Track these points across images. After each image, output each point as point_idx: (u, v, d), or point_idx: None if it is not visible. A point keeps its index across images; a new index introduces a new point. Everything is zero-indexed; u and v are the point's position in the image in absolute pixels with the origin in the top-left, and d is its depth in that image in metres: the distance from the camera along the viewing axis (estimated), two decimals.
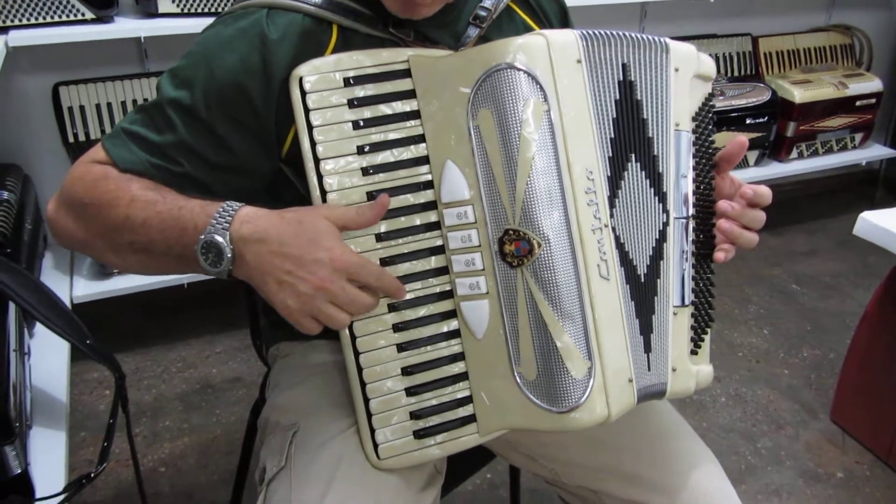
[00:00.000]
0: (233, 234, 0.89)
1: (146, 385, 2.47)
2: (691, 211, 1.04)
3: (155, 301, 2.69)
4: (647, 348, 0.99)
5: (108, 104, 2.45)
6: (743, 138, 1.05)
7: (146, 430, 2.27)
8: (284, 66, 0.95)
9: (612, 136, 0.96)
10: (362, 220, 0.92)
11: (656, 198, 1.01)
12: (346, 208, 0.92)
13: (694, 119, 1.05)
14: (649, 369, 0.99)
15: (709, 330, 1.06)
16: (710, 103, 1.07)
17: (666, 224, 1.01)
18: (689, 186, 1.03)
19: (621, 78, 0.97)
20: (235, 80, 0.96)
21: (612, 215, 0.96)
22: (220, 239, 0.89)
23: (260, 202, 0.96)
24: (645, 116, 0.99)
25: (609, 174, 0.96)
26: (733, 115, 3.15)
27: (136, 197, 0.95)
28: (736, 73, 3.41)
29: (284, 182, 1.04)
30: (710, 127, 1.06)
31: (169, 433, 2.26)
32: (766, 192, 1.06)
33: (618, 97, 0.97)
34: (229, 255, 0.89)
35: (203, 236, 0.90)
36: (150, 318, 2.80)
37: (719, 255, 1.05)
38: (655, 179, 1.01)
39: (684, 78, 1.03)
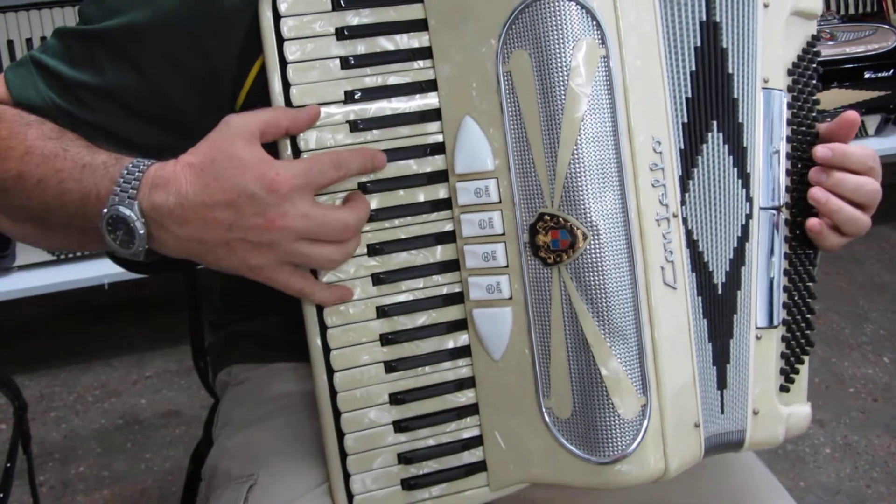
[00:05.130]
0: (142, 203, 0.89)
1: (54, 418, 2.49)
2: (784, 199, 1.04)
3: (67, 306, 2.70)
4: (722, 383, 0.99)
5: (9, 42, 2.47)
6: (853, 114, 1.04)
7: (54, 478, 2.29)
8: None
9: (690, 95, 0.96)
10: (286, 120, 0.91)
11: (740, 181, 1.00)
12: (256, 111, 0.90)
13: (790, 73, 1.05)
14: (722, 411, 0.99)
15: (805, 358, 1.06)
16: (814, 49, 1.07)
17: (749, 216, 1.01)
18: (781, 166, 1.03)
19: (704, 17, 0.97)
20: (181, 10, 0.97)
21: (683, 202, 0.96)
22: (126, 212, 0.89)
23: None
24: (731, 70, 0.99)
25: (683, 147, 0.96)
26: (847, 66, 3.11)
27: (32, 148, 0.96)
28: (851, 11, 3.41)
29: None
30: (814, 82, 1.06)
31: (84, 483, 2.27)
32: (853, 152, 1.03)
33: (699, 43, 0.97)
34: (141, 232, 0.89)
35: (106, 209, 0.90)
36: (60, 328, 2.80)
37: (813, 222, 1.02)
38: (740, 156, 1.00)
39: (778, 16, 1.03)
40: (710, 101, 0.98)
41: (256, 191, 0.86)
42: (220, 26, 0.97)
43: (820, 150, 1.03)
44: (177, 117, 1.02)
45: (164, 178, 0.89)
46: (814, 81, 1.06)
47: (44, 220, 0.97)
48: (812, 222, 1.03)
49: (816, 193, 1.03)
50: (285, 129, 0.91)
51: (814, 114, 1.06)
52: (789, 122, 1.04)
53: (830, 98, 2.95)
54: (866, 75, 3.13)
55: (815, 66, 1.07)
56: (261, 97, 0.94)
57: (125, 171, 0.90)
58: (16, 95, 1.00)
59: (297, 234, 0.88)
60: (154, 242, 0.90)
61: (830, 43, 3.12)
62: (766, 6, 1.02)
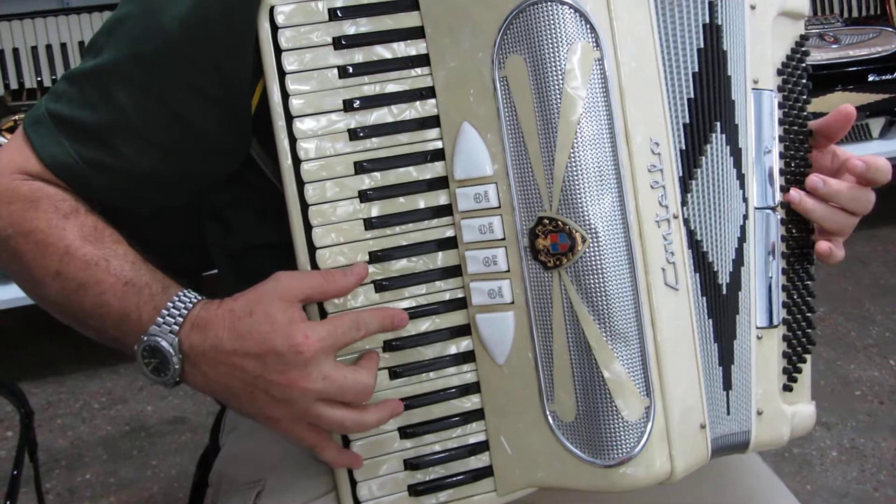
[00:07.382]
0: (182, 340, 0.91)
1: (61, 425, 2.49)
2: (778, 198, 1.04)
3: None
4: (727, 384, 0.99)
5: (15, 50, 2.46)
6: (849, 107, 1.05)
7: (60, 484, 2.29)
8: (255, 7, 0.94)
9: (692, 96, 0.97)
10: (331, 288, 0.93)
11: (738, 182, 1.01)
12: (305, 275, 0.93)
13: (780, 73, 1.05)
14: (728, 412, 0.99)
15: (807, 357, 1.06)
16: (803, 49, 1.07)
17: (745, 217, 1.02)
18: (774, 165, 1.04)
19: (707, 20, 0.98)
20: (190, 33, 0.95)
21: (684, 202, 0.96)
22: (166, 346, 0.92)
23: (218, 187, 0.98)
24: (730, 73, 1.00)
25: (683, 147, 0.96)
26: (850, 69, 3.12)
27: (71, 248, 0.96)
28: (855, 14, 3.40)
29: (249, 160, 1.04)
30: (804, 82, 1.07)
31: (90, 489, 2.27)
32: (882, 166, 1.04)
33: (702, 45, 0.98)
34: (176, 367, 0.92)
35: (146, 337, 0.92)
36: (66, 335, 2.79)
37: (822, 247, 1.04)
38: (737, 157, 1.01)
39: (765, 17, 1.03)
40: (712, 102, 0.98)
41: (283, 351, 0.88)
42: (231, 44, 0.95)
43: (811, 180, 1.03)
44: (209, 145, 1.01)
45: (206, 320, 0.92)
46: (804, 81, 1.07)
47: (76, 319, 0.99)
48: (821, 246, 1.04)
49: (791, 194, 1.04)
50: (330, 296, 0.94)
51: (805, 113, 1.07)
52: (781, 122, 1.05)
53: (834, 101, 2.95)
54: (870, 78, 3.12)
55: (804, 65, 1.07)
56: (267, 108, 0.94)
57: (170, 304, 0.93)
58: (42, 155, 0.98)
59: (317, 395, 0.89)
60: (184, 376, 0.93)
61: (834, 46, 3.11)
62: (752, 7, 1.02)
